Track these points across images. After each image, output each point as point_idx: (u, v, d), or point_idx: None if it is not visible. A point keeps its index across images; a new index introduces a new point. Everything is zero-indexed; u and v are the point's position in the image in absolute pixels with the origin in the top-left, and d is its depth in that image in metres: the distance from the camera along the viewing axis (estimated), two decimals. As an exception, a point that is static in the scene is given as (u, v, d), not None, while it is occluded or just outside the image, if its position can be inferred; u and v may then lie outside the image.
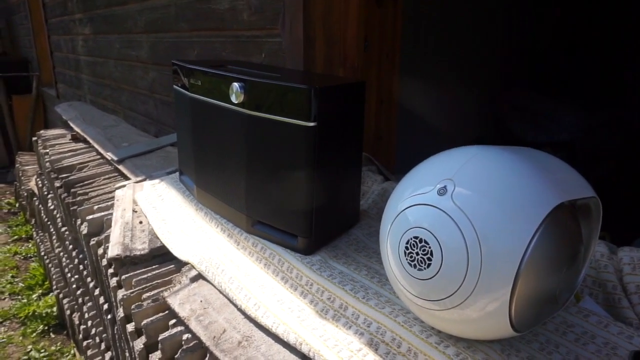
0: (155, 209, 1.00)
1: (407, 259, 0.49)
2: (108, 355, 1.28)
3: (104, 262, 0.95)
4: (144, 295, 0.79)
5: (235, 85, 0.75)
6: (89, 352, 1.51)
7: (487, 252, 0.45)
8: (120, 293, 0.82)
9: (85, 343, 1.55)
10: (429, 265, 0.47)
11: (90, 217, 1.08)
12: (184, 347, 0.66)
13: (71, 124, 2.07)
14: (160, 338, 0.68)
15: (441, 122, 2.32)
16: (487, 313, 0.47)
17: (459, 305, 0.47)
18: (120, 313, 0.80)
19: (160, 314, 0.74)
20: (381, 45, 1.22)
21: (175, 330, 0.69)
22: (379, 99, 1.25)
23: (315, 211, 0.73)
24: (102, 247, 1.00)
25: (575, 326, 0.57)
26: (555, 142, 2.55)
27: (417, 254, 0.48)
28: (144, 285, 0.81)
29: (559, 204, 0.47)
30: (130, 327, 0.77)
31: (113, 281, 0.89)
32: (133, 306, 0.76)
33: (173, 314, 0.73)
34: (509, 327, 0.48)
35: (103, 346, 1.34)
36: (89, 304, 1.43)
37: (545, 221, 0.45)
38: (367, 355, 0.54)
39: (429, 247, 0.47)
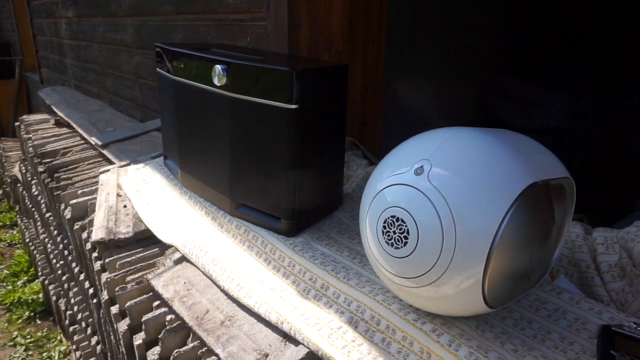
0: (140, 192, 1.00)
1: (384, 238, 0.50)
2: (94, 339, 1.28)
3: (88, 246, 0.95)
4: (128, 278, 0.79)
5: (218, 67, 0.75)
6: (76, 338, 1.51)
7: (461, 230, 0.46)
8: (105, 276, 0.82)
9: (71, 329, 1.55)
10: (405, 243, 0.48)
11: (74, 201, 1.07)
12: (168, 327, 0.66)
13: (55, 109, 2.04)
14: (144, 319, 0.69)
15: (428, 109, 2.33)
16: (462, 290, 0.48)
17: (435, 282, 0.48)
18: (105, 296, 0.81)
19: (144, 296, 0.74)
20: (367, 31, 1.22)
21: (159, 311, 0.70)
22: (365, 84, 1.25)
23: (298, 193, 0.74)
24: (86, 231, 1.00)
25: (548, 303, 0.59)
26: (543, 128, 2.57)
27: (394, 232, 0.49)
28: (128, 268, 0.82)
29: (532, 183, 0.48)
30: (114, 309, 0.77)
31: (97, 265, 0.89)
32: (117, 288, 0.76)
33: (157, 296, 0.73)
34: (482, 303, 0.49)
35: (89, 331, 1.35)
36: (75, 289, 1.42)
37: (518, 200, 0.46)
38: (346, 332, 0.56)
39: (406, 226, 0.48)
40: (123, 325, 0.73)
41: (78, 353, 1.49)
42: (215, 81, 0.76)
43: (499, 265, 0.47)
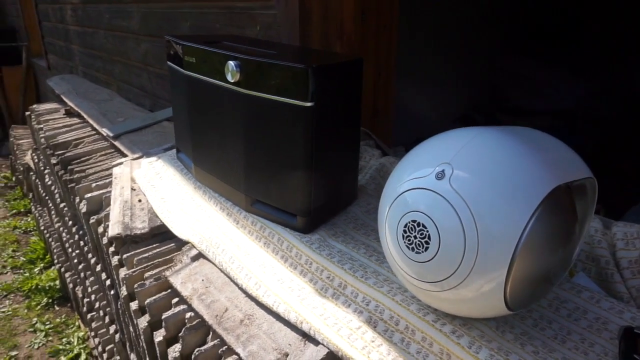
0: (154, 187, 1.00)
1: (405, 242, 0.50)
2: (112, 328, 1.31)
3: (105, 240, 0.96)
4: (146, 274, 0.80)
5: (231, 63, 0.74)
6: (94, 325, 1.54)
7: (484, 236, 0.46)
8: (123, 272, 0.83)
9: (89, 316, 1.59)
10: (426, 248, 0.48)
11: (89, 195, 1.08)
12: (188, 325, 0.67)
13: (64, 98, 2.05)
14: (164, 317, 0.70)
15: (438, 93, 2.30)
16: (483, 293, 0.48)
17: (456, 286, 0.48)
18: (124, 291, 0.82)
19: (163, 293, 0.75)
20: (378, 17, 1.20)
21: (178, 308, 0.71)
22: (377, 71, 1.24)
23: (314, 190, 0.73)
24: (102, 225, 1.01)
25: (568, 302, 0.59)
26: (554, 110, 2.53)
27: (415, 237, 0.49)
28: (145, 264, 0.82)
29: (556, 187, 0.47)
30: (133, 305, 0.78)
31: (115, 260, 0.91)
32: (136, 285, 0.77)
33: (175, 293, 0.74)
34: (503, 306, 0.49)
35: (107, 319, 1.38)
36: (91, 278, 1.45)
37: (542, 204, 0.46)
38: (366, 332, 0.56)
39: (427, 231, 0.48)
40: (143, 322, 0.74)
41: (97, 340, 1.53)
42: (229, 77, 0.75)
43: (522, 269, 0.47)
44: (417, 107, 2.18)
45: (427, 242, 0.48)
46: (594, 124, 2.43)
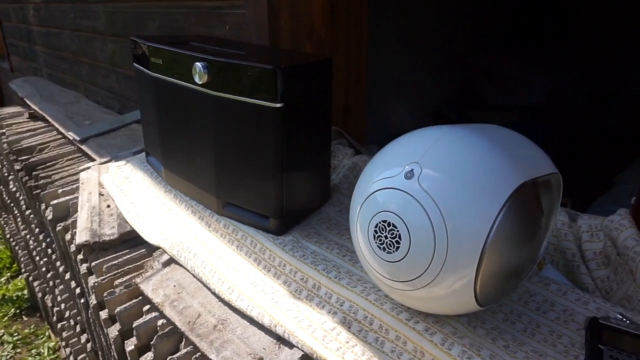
0: (123, 192, 0.98)
1: (376, 242, 0.50)
2: (84, 337, 1.28)
3: (73, 248, 0.94)
4: (116, 282, 0.78)
5: (198, 65, 0.72)
6: (64, 334, 1.50)
7: (453, 234, 0.46)
8: (92, 280, 0.81)
9: (59, 325, 1.54)
10: (397, 248, 0.48)
11: (55, 201, 1.05)
12: (160, 333, 0.66)
13: (28, 102, 1.98)
14: (134, 325, 0.68)
15: (411, 89, 2.32)
16: (454, 291, 0.49)
17: (427, 285, 0.49)
18: (93, 300, 0.80)
19: (134, 300, 0.74)
20: (348, 15, 1.20)
21: (149, 316, 0.69)
22: (348, 70, 1.24)
23: (286, 192, 0.73)
24: (70, 232, 0.97)
25: (536, 295, 0.60)
26: (524, 104, 2.59)
27: (386, 237, 0.49)
28: (115, 272, 0.80)
29: (522, 183, 0.48)
30: (103, 314, 0.76)
31: (83, 267, 0.88)
32: (105, 293, 0.75)
33: (147, 300, 0.72)
34: (474, 302, 0.50)
35: (78, 328, 1.34)
36: (61, 287, 1.41)
37: (509, 201, 0.47)
38: (340, 333, 0.56)
39: (397, 231, 0.48)
40: (114, 331, 0.72)
41: (68, 350, 1.48)
42: (197, 79, 0.74)
43: (491, 265, 0.48)
44: (390, 105, 2.19)
45: (397, 242, 0.48)
46: (561, 118, 2.49)
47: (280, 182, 0.72)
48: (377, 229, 0.50)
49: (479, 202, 0.47)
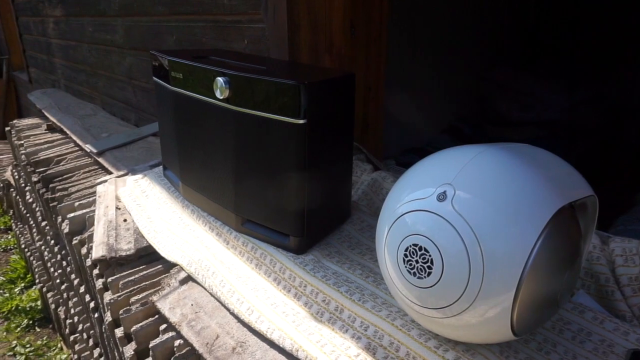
0: (140, 206, 0.97)
1: (406, 267, 0.48)
2: (97, 351, 1.26)
3: (89, 262, 0.92)
4: (132, 299, 0.76)
5: (220, 80, 0.71)
6: (77, 347, 1.48)
7: (489, 260, 0.44)
8: (107, 296, 0.79)
9: (72, 338, 1.53)
10: (429, 273, 0.46)
11: (72, 215, 1.04)
12: (177, 354, 0.64)
13: (46, 113, 2.00)
14: (151, 345, 0.66)
15: (426, 104, 2.30)
16: (488, 319, 0.46)
17: (460, 313, 0.46)
18: (108, 317, 0.78)
19: (150, 319, 0.72)
20: (368, 29, 1.19)
21: (166, 336, 0.68)
22: (367, 85, 1.22)
23: (307, 210, 0.71)
24: (86, 246, 0.97)
25: (571, 323, 0.57)
26: (541, 120, 2.56)
27: (417, 261, 0.47)
28: (131, 288, 0.79)
29: (561, 207, 0.46)
30: (119, 332, 0.75)
31: (99, 283, 0.87)
32: (121, 311, 0.74)
33: (163, 319, 0.71)
34: (509, 331, 0.47)
35: (91, 342, 1.32)
36: (75, 299, 1.40)
37: (548, 225, 0.44)
38: (365, 360, 0.54)
39: (429, 255, 0.46)
40: (129, 350, 0.71)
41: (80, 363, 1.47)
42: (218, 94, 0.73)
43: (529, 293, 0.45)
44: (406, 119, 2.17)
45: (429, 267, 0.46)
46: (578, 134, 2.45)
47: (302, 199, 0.70)
48: (408, 253, 0.48)
49: (517, 226, 0.44)
